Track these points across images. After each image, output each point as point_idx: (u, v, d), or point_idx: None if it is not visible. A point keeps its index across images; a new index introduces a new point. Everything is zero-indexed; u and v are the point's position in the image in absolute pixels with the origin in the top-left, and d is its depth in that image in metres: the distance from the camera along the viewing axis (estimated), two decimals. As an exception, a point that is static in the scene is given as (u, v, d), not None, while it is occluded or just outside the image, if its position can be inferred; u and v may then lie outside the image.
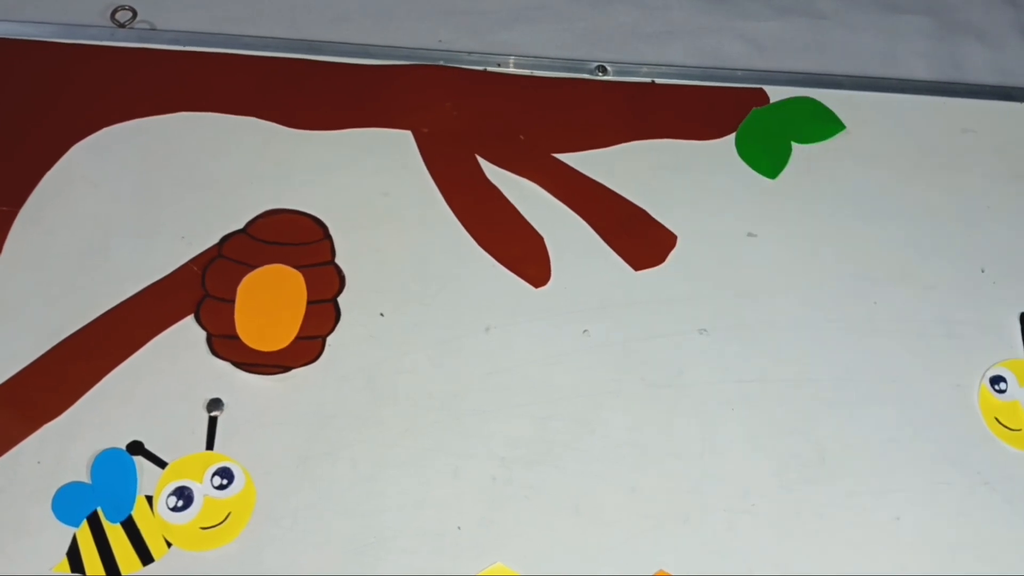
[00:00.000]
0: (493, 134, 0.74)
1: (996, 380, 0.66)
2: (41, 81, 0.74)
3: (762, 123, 0.75)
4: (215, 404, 0.62)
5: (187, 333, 0.65)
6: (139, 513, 0.58)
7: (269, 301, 0.66)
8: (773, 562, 0.59)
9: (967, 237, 0.73)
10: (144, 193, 0.70)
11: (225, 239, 0.68)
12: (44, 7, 0.78)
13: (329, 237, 0.69)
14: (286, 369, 0.64)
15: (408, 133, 0.74)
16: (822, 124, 0.76)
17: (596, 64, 0.77)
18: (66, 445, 0.60)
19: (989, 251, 0.72)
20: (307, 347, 0.65)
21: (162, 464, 0.60)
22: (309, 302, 0.66)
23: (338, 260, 0.68)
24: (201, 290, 0.66)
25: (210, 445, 0.61)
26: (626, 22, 0.80)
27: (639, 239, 0.70)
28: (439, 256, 0.69)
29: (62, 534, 0.58)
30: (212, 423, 0.62)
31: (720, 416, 0.64)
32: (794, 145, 0.75)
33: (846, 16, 0.78)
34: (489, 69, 0.77)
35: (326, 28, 0.78)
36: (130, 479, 0.59)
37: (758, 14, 0.80)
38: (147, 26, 0.78)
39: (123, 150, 0.72)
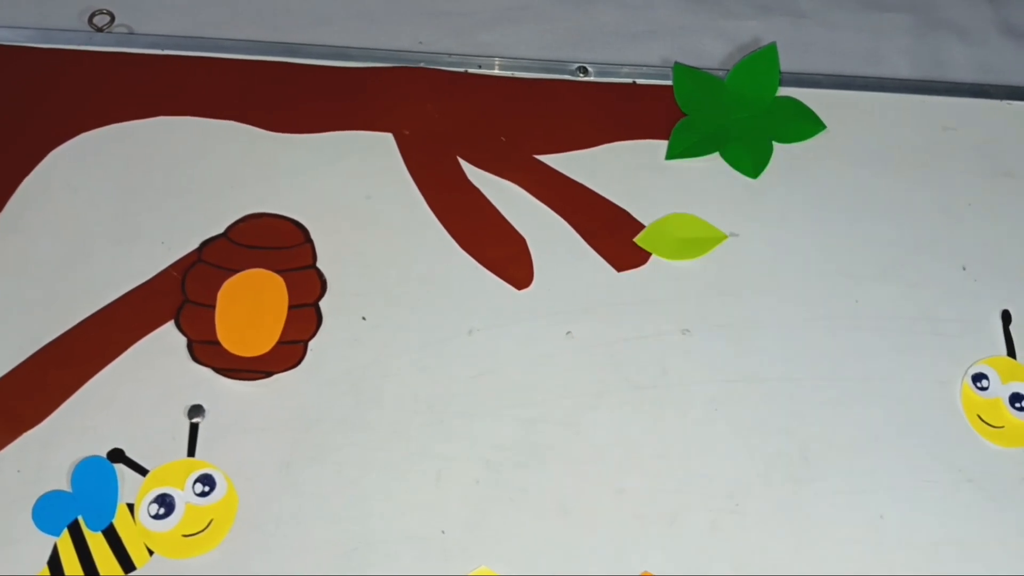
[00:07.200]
0: (474, 136, 0.74)
1: (978, 377, 0.66)
2: (18, 86, 0.74)
3: (743, 123, 0.75)
4: (196, 410, 0.62)
5: (167, 339, 0.64)
6: (120, 521, 0.58)
7: (250, 306, 0.65)
8: (758, 562, 0.59)
9: (948, 235, 0.73)
10: (123, 198, 0.70)
11: (205, 244, 0.68)
12: (20, 11, 0.77)
13: (310, 241, 0.68)
14: (268, 374, 0.63)
15: (389, 136, 0.73)
16: (803, 123, 0.76)
17: (577, 65, 0.77)
18: (46, 453, 0.60)
19: (970, 249, 0.72)
20: (289, 352, 0.64)
21: (143, 471, 0.60)
22: (290, 306, 0.66)
23: (319, 264, 0.68)
24: (181, 295, 0.66)
25: (191, 452, 0.60)
26: (608, 22, 0.80)
27: (621, 240, 0.70)
28: (421, 259, 0.69)
29: (43, 543, 0.57)
30: (193, 430, 0.61)
31: (704, 416, 0.64)
32: (775, 145, 0.75)
33: (826, 15, 0.78)
34: (470, 71, 0.77)
35: (306, 31, 0.77)
36: (111, 487, 0.59)
37: (739, 13, 0.80)
38: (125, 30, 0.78)
39: (102, 155, 0.71)
